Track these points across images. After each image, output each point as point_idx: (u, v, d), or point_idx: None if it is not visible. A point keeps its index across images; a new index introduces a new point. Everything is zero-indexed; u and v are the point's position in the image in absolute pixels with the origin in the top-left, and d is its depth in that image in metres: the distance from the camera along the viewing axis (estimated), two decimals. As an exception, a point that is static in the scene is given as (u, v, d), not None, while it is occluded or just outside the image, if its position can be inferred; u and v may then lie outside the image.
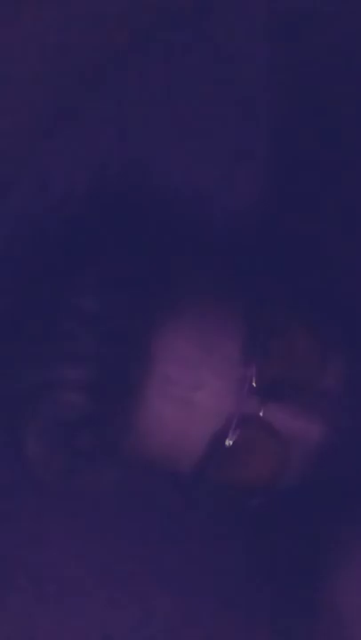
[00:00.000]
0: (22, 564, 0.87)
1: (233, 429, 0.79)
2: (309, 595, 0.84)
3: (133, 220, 0.85)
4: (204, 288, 0.83)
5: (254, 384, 0.80)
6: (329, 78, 0.84)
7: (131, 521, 0.88)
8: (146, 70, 0.83)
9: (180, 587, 0.88)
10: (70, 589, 0.87)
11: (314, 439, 0.81)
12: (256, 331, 0.81)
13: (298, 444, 0.81)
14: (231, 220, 0.88)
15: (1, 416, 0.83)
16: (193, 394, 0.80)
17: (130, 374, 0.79)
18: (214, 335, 0.81)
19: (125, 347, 0.79)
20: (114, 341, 0.79)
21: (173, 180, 0.85)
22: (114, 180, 0.86)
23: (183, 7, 0.80)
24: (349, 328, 0.86)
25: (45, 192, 0.85)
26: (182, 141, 0.85)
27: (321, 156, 0.86)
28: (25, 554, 0.87)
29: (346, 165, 0.86)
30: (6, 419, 0.83)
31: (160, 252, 0.83)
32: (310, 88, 0.84)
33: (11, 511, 0.87)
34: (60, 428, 0.80)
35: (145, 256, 0.82)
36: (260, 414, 0.80)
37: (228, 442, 0.80)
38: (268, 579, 0.87)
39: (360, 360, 0.84)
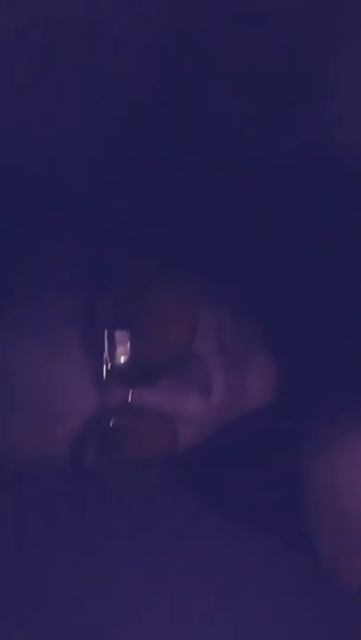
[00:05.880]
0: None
1: (103, 422, 0.75)
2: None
3: None
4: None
5: (110, 366, 0.73)
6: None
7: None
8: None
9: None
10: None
11: (193, 408, 0.75)
12: (103, 302, 0.74)
13: (179, 417, 0.76)
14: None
15: None
16: (40, 398, 0.74)
17: None
18: (53, 321, 0.74)
19: None
20: None
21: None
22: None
23: None
24: (217, 282, 0.79)
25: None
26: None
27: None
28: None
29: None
30: None
31: None
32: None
33: None
34: None
35: None
36: (129, 400, 0.74)
37: (109, 425, 0.74)
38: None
39: (231, 317, 0.78)
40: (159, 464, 0.79)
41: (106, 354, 0.73)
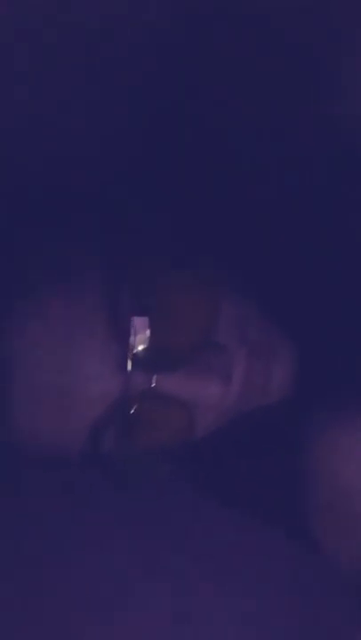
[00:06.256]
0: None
1: (126, 405, 0.75)
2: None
3: None
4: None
5: (134, 352, 0.73)
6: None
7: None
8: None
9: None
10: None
11: (213, 397, 0.76)
12: (127, 292, 0.75)
13: (198, 404, 0.76)
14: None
15: None
16: (62, 381, 0.74)
17: None
18: (78, 308, 0.75)
19: None
20: None
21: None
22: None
23: None
24: (239, 273, 0.80)
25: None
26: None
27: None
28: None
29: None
30: None
31: None
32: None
33: None
34: None
35: None
36: (152, 385, 0.75)
37: (129, 412, 0.75)
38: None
39: (253, 307, 0.79)
40: (173, 454, 0.79)
41: (131, 340, 0.73)
